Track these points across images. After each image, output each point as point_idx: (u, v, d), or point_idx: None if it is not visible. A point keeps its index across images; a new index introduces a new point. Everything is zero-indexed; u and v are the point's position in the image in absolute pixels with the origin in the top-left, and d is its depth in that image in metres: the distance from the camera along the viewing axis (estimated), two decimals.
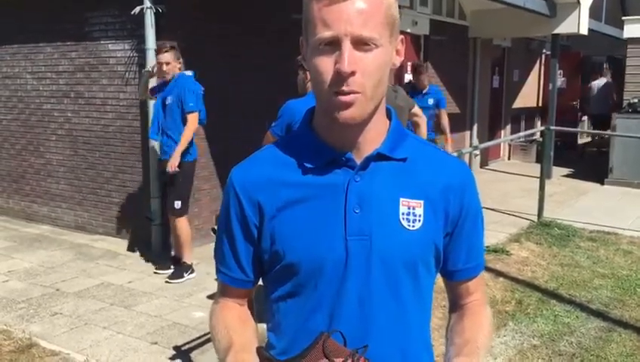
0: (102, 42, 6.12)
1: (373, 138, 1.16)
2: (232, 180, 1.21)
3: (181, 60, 5.04)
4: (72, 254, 5.84)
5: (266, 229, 1.17)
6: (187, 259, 5.18)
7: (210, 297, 4.64)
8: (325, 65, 1.07)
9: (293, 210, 1.14)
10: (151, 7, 5.52)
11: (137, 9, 5.56)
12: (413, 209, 1.15)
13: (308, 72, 4.24)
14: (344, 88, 1.06)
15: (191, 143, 5.05)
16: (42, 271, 5.32)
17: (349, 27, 1.04)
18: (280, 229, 1.15)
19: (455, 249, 1.23)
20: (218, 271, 1.27)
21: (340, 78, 1.05)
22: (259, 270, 1.23)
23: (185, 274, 5.10)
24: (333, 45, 1.06)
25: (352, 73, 1.05)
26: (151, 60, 5.53)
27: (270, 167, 1.19)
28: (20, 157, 7.15)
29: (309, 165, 1.15)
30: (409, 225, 1.14)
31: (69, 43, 6.38)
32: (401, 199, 1.15)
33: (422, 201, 1.16)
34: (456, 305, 1.30)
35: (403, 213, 1.15)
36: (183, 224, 5.14)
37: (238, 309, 1.26)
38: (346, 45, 1.04)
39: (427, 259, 1.18)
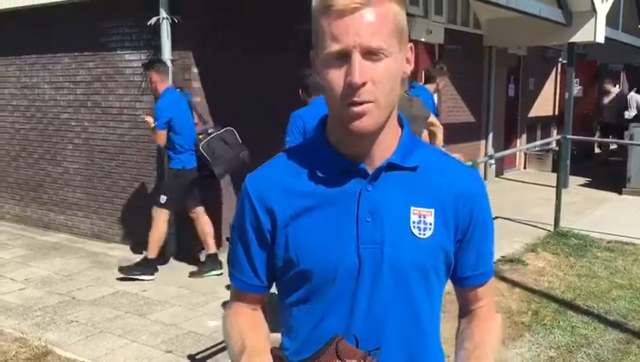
0: (118, 52, 6.19)
1: (386, 147, 1.17)
2: (246, 187, 1.23)
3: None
4: (88, 262, 5.88)
5: (279, 236, 1.18)
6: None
7: (224, 305, 4.65)
8: (336, 78, 1.08)
9: (307, 219, 1.16)
10: (167, 18, 5.57)
11: (153, 20, 5.62)
12: (424, 217, 1.17)
13: (302, 89, 4.63)
14: (356, 99, 1.07)
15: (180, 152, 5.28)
16: (58, 279, 5.36)
17: (358, 39, 1.05)
18: (293, 237, 1.17)
19: (464, 256, 1.24)
20: (232, 276, 1.28)
21: (352, 89, 1.06)
22: (272, 275, 1.25)
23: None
24: (343, 58, 1.07)
25: (364, 84, 1.06)
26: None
27: (284, 175, 1.20)
28: (37, 166, 7.23)
29: (321, 174, 1.17)
30: (420, 234, 1.16)
31: (86, 53, 6.46)
32: (412, 208, 1.16)
33: (432, 210, 1.17)
34: (465, 311, 1.32)
35: (414, 222, 1.16)
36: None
37: (251, 314, 1.27)
38: (356, 57, 1.05)
39: (438, 267, 1.19)
